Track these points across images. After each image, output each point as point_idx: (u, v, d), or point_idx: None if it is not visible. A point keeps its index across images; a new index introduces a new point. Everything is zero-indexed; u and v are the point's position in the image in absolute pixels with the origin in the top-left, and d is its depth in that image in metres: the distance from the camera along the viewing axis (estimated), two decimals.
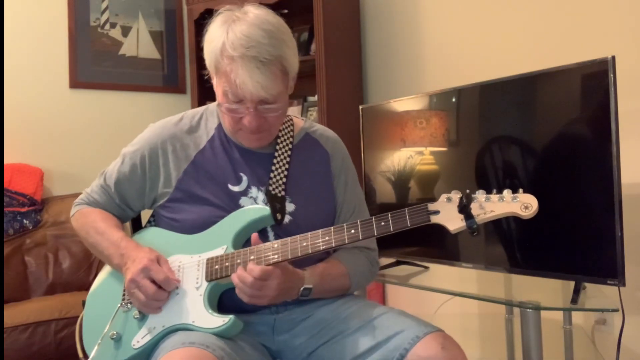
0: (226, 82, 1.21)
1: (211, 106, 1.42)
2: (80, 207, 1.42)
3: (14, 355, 2.02)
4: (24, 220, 2.59)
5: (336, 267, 1.33)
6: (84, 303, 1.36)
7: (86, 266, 2.56)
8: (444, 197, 1.14)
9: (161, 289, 1.21)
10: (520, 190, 1.12)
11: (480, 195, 1.12)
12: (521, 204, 1.10)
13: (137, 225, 1.51)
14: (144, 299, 1.20)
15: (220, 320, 1.16)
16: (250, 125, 1.24)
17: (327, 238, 1.19)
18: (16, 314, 2.12)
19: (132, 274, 1.20)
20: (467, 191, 1.12)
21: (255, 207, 1.29)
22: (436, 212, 1.13)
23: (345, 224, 1.19)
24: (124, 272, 1.25)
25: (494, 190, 1.13)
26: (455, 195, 1.13)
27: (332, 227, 1.20)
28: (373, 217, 1.17)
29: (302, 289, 1.23)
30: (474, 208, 1.11)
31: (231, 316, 1.16)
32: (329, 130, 1.49)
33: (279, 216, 1.28)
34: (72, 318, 2.06)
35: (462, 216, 1.11)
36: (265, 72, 1.18)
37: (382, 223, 1.16)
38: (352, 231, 1.18)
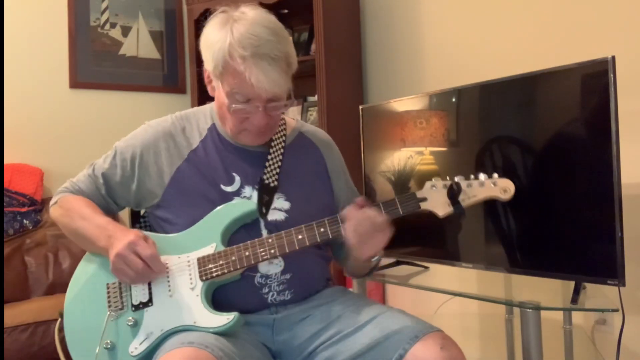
0: (236, 82, 1.21)
1: (204, 107, 1.42)
2: (63, 195, 1.39)
3: (14, 355, 2.02)
4: (24, 220, 2.59)
5: None
6: (61, 314, 1.31)
7: None
8: (428, 184, 1.24)
9: (149, 267, 1.19)
10: (495, 175, 1.23)
11: (462, 181, 1.23)
12: (500, 188, 1.22)
13: (135, 220, 1.50)
14: (133, 274, 1.19)
15: (224, 319, 1.15)
16: (259, 125, 1.25)
17: (322, 230, 1.20)
18: (16, 314, 2.12)
19: (117, 249, 1.18)
20: (455, 179, 1.22)
21: (240, 201, 1.28)
22: (424, 199, 1.24)
23: (339, 215, 1.21)
24: (109, 252, 1.22)
25: (472, 176, 1.23)
26: (439, 182, 1.23)
27: (325, 219, 1.21)
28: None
29: (376, 258, 1.30)
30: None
31: (235, 313, 1.16)
32: (321, 130, 1.50)
33: (263, 209, 1.28)
34: (61, 319, 2.06)
35: (449, 201, 1.22)
36: (276, 69, 1.19)
37: None
38: None
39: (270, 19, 1.25)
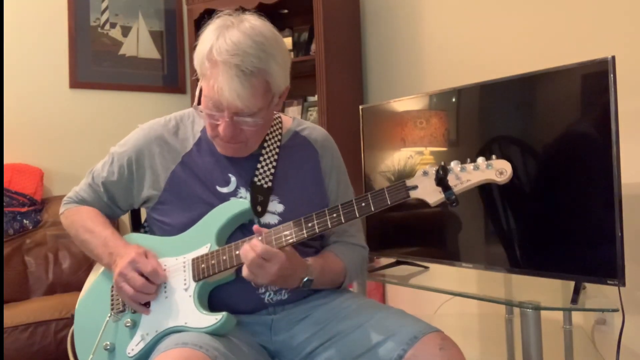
0: (206, 86, 1.20)
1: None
2: (69, 206, 1.43)
3: (14, 355, 2.02)
4: (24, 220, 2.59)
5: (336, 262, 1.34)
6: (73, 316, 1.35)
7: (86, 266, 2.56)
8: (420, 171, 1.15)
9: (149, 282, 1.21)
10: (494, 156, 1.13)
11: (455, 165, 1.14)
12: (495, 170, 1.11)
13: (137, 226, 1.51)
14: (132, 292, 1.20)
15: (213, 319, 1.16)
16: (224, 134, 1.21)
17: (309, 225, 1.18)
18: (16, 314, 2.12)
19: (120, 268, 1.21)
20: (442, 163, 1.13)
21: (235, 201, 1.28)
22: (414, 187, 1.15)
23: (326, 209, 1.19)
24: (112, 269, 1.25)
25: (468, 160, 1.14)
26: (432, 169, 1.14)
27: (313, 213, 1.19)
28: (353, 199, 1.18)
29: (304, 280, 1.22)
30: (451, 179, 1.12)
31: (224, 313, 1.16)
32: (319, 128, 1.48)
33: (259, 208, 1.28)
34: (72, 318, 2.06)
35: (439, 189, 1.13)
36: (244, 83, 1.15)
37: (363, 204, 1.16)
38: (334, 215, 1.18)
39: (265, 33, 1.20)
